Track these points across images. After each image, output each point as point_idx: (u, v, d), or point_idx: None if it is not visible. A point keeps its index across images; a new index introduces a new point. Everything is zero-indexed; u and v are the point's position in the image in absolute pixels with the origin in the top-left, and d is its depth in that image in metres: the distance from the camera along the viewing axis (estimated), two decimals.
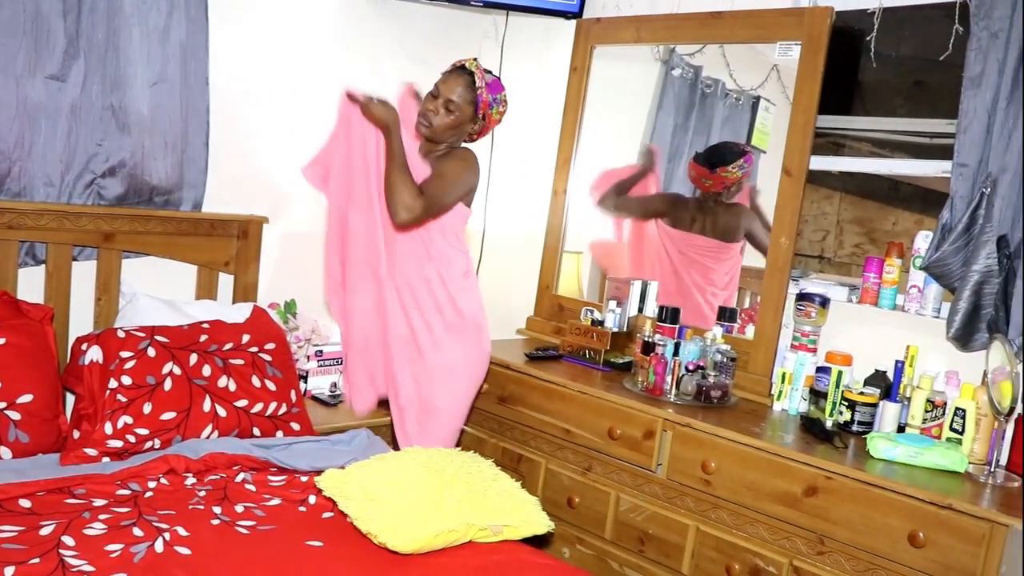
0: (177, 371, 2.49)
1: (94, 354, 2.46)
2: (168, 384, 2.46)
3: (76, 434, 2.38)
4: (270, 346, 2.74)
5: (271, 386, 2.64)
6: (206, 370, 2.54)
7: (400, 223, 2.54)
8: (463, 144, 2.79)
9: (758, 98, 3.12)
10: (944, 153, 2.58)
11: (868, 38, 2.75)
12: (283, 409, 2.65)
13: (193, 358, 2.54)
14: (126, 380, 2.42)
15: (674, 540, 2.46)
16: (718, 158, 3.09)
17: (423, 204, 2.52)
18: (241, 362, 2.63)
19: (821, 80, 2.68)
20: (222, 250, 3.03)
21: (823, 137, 2.93)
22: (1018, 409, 2.19)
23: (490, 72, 2.72)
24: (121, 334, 2.51)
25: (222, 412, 2.51)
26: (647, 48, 3.28)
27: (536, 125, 3.52)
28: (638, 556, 2.54)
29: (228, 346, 2.64)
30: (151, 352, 2.49)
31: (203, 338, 2.61)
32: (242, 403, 2.56)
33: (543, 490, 2.77)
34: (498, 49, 3.61)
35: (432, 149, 2.74)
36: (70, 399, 2.61)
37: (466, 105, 2.65)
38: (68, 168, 2.67)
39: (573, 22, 3.38)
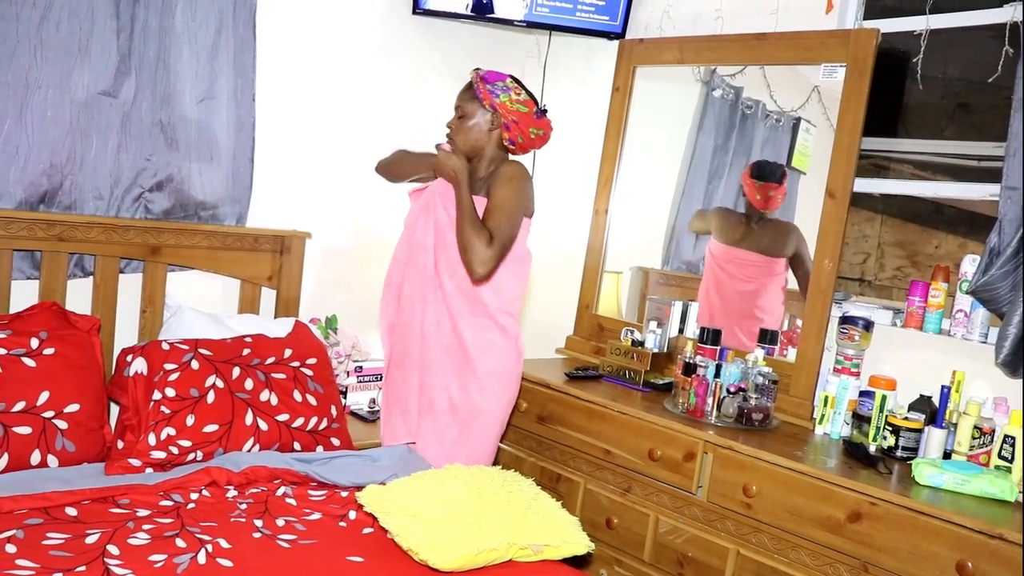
0: (220, 384, 2.52)
1: (139, 366, 2.49)
2: (211, 397, 2.49)
3: (120, 444, 2.42)
4: (311, 361, 2.76)
5: (312, 401, 2.66)
6: (248, 384, 2.56)
7: (478, 278, 2.52)
8: (509, 159, 2.71)
9: (799, 119, 3.10)
10: (991, 176, 2.55)
11: (914, 60, 2.73)
12: (324, 424, 2.66)
13: (236, 371, 2.57)
14: (170, 392, 2.45)
15: (714, 564, 2.43)
16: (775, 172, 3.09)
17: (494, 252, 2.49)
18: (283, 376, 2.65)
19: (866, 102, 2.66)
20: (265, 265, 3.06)
21: (865, 159, 2.90)
22: None
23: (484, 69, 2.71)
24: (165, 346, 2.54)
25: (264, 426, 2.53)
26: (688, 69, 3.28)
27: (578, 144, 3.52)
28: None
29: (270, 360, 2.66)
30: (195, 365, 2.52)
31: (246, 352, 2.64)
32: (283, 417, 2.57)
33: (582, 510, 2.75)
34: (540, 69, 3.64)
35: (475, 169, 2.69)
36: (115, 409, 2.64)
37: (470, 103, 2.65)
38: (117, 182, 2.73)
39: (616, 42, 3.40)
